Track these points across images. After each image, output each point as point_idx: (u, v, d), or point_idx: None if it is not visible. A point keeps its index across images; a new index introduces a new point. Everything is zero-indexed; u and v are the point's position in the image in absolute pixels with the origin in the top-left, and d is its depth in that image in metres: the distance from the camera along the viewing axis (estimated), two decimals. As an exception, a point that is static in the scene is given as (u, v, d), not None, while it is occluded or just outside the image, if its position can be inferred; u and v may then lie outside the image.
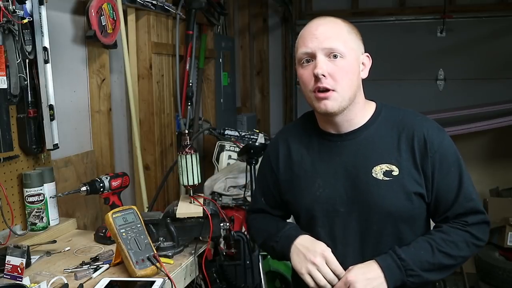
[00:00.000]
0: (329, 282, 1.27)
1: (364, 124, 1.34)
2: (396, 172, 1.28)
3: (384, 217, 1.28)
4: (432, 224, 1.39)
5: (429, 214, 1.35)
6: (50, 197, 1.79)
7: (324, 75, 1.24)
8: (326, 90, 1.25)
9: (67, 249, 1.65)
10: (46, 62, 1.75)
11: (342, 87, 1.26)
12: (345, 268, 1.28)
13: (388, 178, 1.28)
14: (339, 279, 1.26)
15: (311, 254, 1.29)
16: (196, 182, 1.64)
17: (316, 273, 1.27)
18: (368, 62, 1.34)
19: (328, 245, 1.32)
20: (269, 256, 2.63)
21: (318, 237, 1.34)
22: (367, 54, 1.34)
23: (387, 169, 1.28)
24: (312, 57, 1.27)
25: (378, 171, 1.28)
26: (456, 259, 1.28)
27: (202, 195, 1.70)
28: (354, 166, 1.31)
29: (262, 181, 1.53)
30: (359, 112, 1.34)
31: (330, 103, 1.26)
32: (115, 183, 1.77)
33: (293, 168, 1.40)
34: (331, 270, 1.27)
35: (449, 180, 1.29)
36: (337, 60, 1.25)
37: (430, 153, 1.28)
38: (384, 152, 1.30)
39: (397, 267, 1.22)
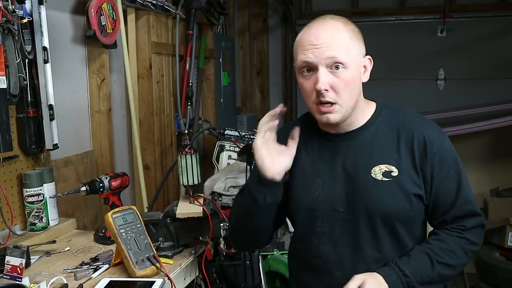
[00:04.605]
0: None
1: (364, 124, 1.32)
2: (395, 173, 1.26)
3: (382, 217, 1.27)
4: (430, 227, 1.38)
5: (427, 217, 1.34)
6: (49, 197, 1.79)
7: (326, 89, 1.21)
8: (328, 103, 1.23)
9: (66, 249, 1.65)
10: (45, 62, 1.74)
11: (344, 98, 1.23)
12: (343, 268, 1.28)
13: (387, 179, 1.26)
14: None
15: None
16: (196, 182, 1.63)
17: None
18: (370, 65, 1.31)
19: (327, 245, 1.31)
20: (269, 256, 2.63)
21: (317, 237, 1.33)
22: (369, 56, 1.30)
23: (386, 169, 1.27)
24: (312, 68, 1.23)
25: (377, 172, 1.27)
26: (455, 268, 1.29)
27: (202, 195, 1.70)
28: (353, 166, 1.30)
29: None
30: (360, 115, 1.32)
31: (333, 116, 1.24)
32: (114, 183, 1.77)
33: (291, 168, 1.36)
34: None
35: (448, 182, 1.28)
36: (339, 72, 1.21)
37: (429, 155, 1.26)
38: (383, 153, 1.29)
39: (401, 283, 1.22)
